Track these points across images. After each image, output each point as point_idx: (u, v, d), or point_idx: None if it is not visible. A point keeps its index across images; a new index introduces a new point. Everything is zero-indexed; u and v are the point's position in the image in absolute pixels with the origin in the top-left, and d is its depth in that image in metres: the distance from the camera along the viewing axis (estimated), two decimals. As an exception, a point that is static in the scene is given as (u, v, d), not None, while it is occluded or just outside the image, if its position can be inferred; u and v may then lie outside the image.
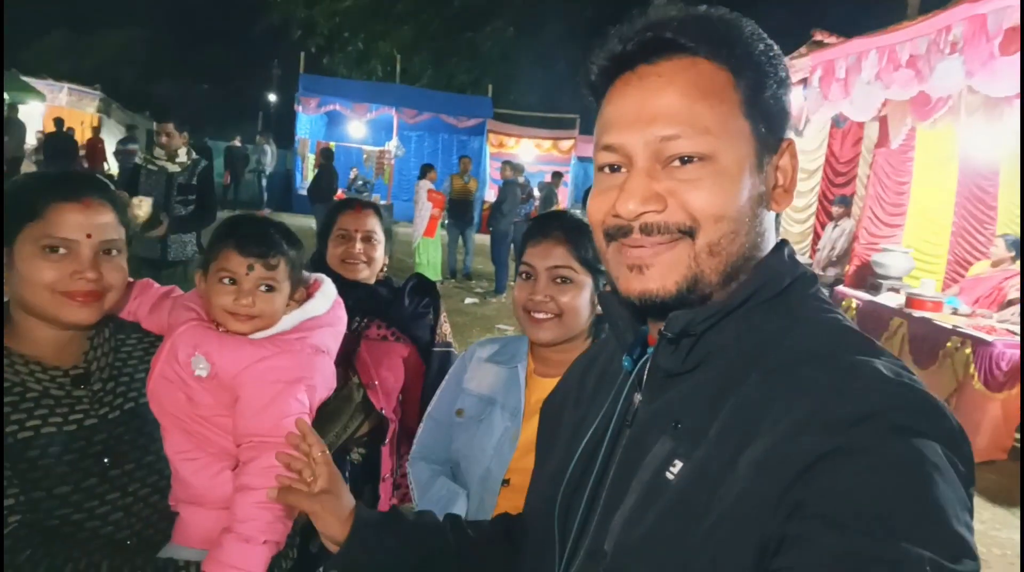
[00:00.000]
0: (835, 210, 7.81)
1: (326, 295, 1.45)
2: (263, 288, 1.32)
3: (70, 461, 1.18)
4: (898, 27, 5.15)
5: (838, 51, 5.97)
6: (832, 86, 5.95)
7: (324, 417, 1.94)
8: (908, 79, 4.89)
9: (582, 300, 1.46)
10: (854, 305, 6.24)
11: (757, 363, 0.70)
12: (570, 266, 1.45)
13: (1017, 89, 3.88)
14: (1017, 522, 3.84)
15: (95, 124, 17.51)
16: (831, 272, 7.48)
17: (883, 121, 6.47)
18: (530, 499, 0.97)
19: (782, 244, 0.78)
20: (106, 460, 1.22)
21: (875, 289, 6.39)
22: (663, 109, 0.71)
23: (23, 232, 1.16)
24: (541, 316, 1.45)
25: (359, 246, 2.06)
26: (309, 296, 1.43)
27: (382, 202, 17.17)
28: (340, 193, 16.70)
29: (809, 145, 8.85)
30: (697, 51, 0.72)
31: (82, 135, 17.31)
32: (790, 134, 0.77)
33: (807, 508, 0.58)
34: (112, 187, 1.28)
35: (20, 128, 14.28)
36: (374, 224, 2.10)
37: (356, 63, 23.17)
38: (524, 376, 1.53)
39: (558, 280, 1.45)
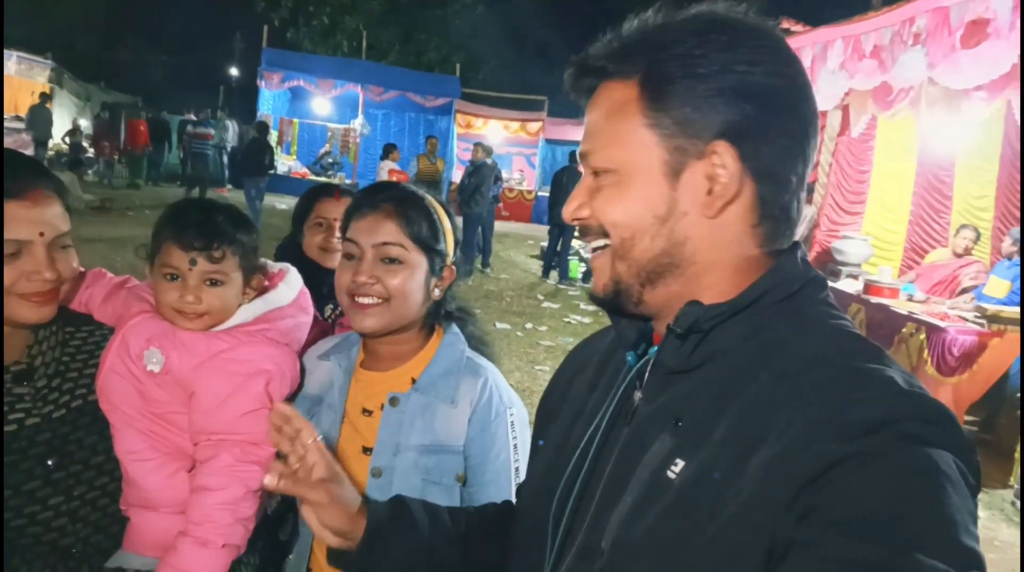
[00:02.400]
0: (798, 197, 7.94)
1: (290, 285, 1.38)
2: (209, 282, 1.24)
3: (10, 463, 1.11)
4: (864, 17, 5.21)
5: (804, 39, 6.03)
6: (798, 74, 6.01)
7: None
8: (872, 69, 4.97)
9: (414, 283, 1.27)
10: None
11: (766, 365, 0.69)
12: (400, 244, 1.26)
13: (975, 82, 3.98)
14: (1016, 527, 3.92)
15: (47, 93, 16.85)
16: (793, 258, 7.63)
17: (845, 110, 6.57)
18: (524, 493, 0.96)
19: (795, 246, 0.78)
20: (50, 461, 1.15)
21: (835, 275, 6.53)
22: (587, 127, 0.79)
23: None
24: (366, 301, 1.25)
25: (338, 234, 2.03)
26: (272, 285, 1.36)
27: (347, 181, 16.98)
28: (304, 171, 16.57)
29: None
30: (608, 73, 0.77)
31: (26, 104, 16.67)
32: (727, 138, 0.71)
33: (818, 513, 0.58)
34: (50, 171, 1.19)
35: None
36: None
37: (322, 38, 22.69)
38: (348, 371, 1.36)
39: (386, 260, 1.26)
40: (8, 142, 15.31)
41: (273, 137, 16.10)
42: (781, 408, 0.65)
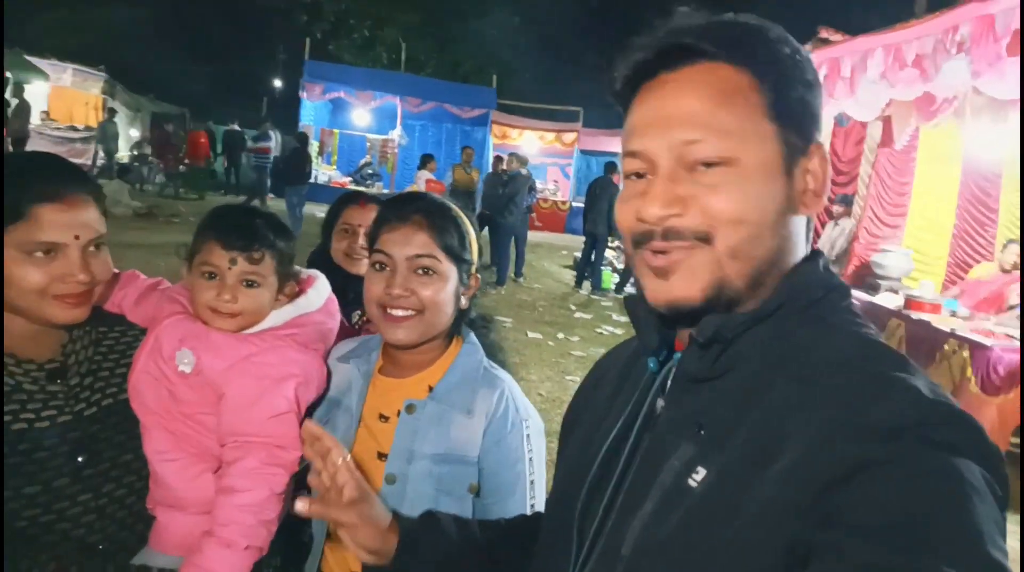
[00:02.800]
0: (836, 209, 7.79)
1: (319, 291, 1.41)
2: (246, 283, 1.27)
3: (40, 460, 1.13)
4: (905, 25, 5.11)
5: (844, 49, 5.94)
6: (837, 84, 5.91)
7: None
8: (913, 78, 4.86)
9: (446, 294, 1.28)
10: None
11: (787, 370, 0.69)
12: (433, 255, 1.26)
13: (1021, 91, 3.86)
14: (1016, 528, 3.83)
15: (99, 106, 17.45)
16: (831, 271, 7.48)
17: (887, 121, 6.44)
18: (549, 500, 0.95)
19: (816, 254, 0.77)
20: (80, 459, 1.18)
21: (873, 289, 6.38)
22: (685, 114, 0.71)
23: (6, 233, 1.10)
24: (399, 313, 1.25)
25: (362, 240, 2.07)
26: (302, 291, 1.39)
27: (385, 191, 17.20)
28: (346, 180, 16.85)
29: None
30: (717, 56, 0.72)
31: (86, 117, 17.26)
32: (819, 137, 0.77)
33: (839, 518, 0.57)
34: (88, 176, 1.23)
35: (25, 108, 14.26)
36: None
37: (361, 50, 23.10)
38: (368, 374, 1.36)
39: (419, 271, 1.26)
40: (63, 151, 15.88)
41: (314, 147, 16.42)
42: (801, 413, 0.65)
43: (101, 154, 15.83)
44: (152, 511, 1.26)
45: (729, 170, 0.71)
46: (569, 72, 23.51)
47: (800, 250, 0.76)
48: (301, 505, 0.90)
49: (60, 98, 16.93)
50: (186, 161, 15.42)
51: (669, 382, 0.78)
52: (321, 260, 2.09)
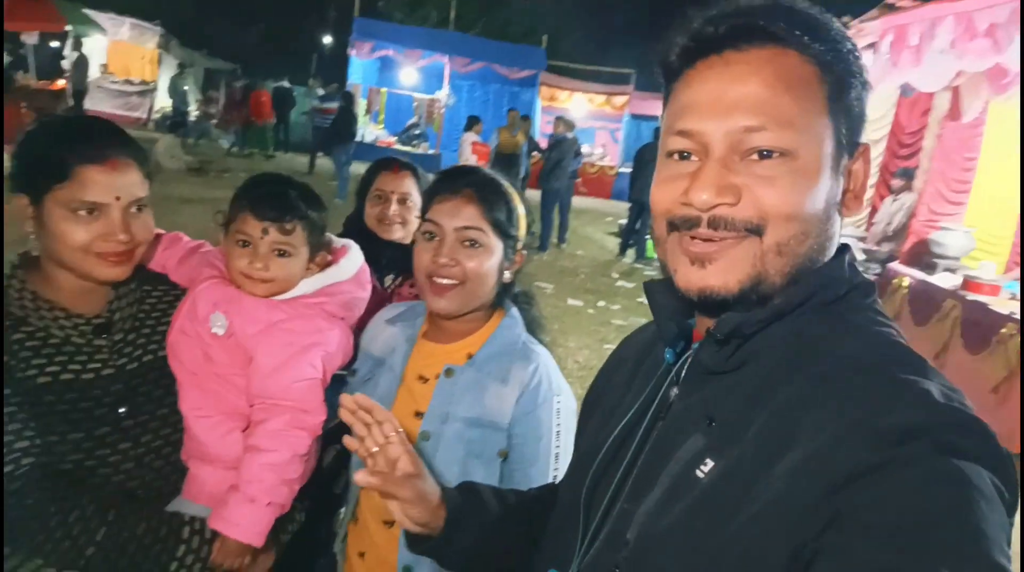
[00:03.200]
0: (895, 183, 7.50)
1: (352, 260, 1.44)
2: (278, 253, 1.30)
3: (85, 409, 1.20)
4: (981, -8, 4.81)
5: (912, 16, 5.63)
6: (903, 53, 5.63)
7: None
8: (985, 49, 4.59)
9: (489, 266, 1.33)
10: (906, 283, 6.03)
11: (802, 368, 0.68)
12: (480, 227, 1.31)
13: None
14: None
15: (154, 60, 17.75)
16: (886, 247, 7.23)
17: (955, 92, 6.12)
18: (562, 481, 0.97)
19: (844, 249, 0.76)
20: (121, 410, 1.24)
21: (930, 269, 6.15)
22: (748, 98, 0.69)
23: (52, 193, 1.16)
24: (444, 281, 1.31)
25: (394, 207, 2.08)
26: (334, 261, 1.42)
27: (430, 151, 17.19)
28: (392, 140, 16.88)
29: (873, 114, 8.44)
30: (788, 42, 0.70)
31: (141, 71, 17.59)
32: (865, 138, 0.76)
33: (846, 520, 0.57)
34: (133, 140, 1.26)
35: (84, 62, 14.61)
36: (410, 186, 2.11)
37: (411, 8, 22.87)
38: (410, 339, 1.43)
39: (466, 243, 1.31)
40: (119, 104, 16.30)
41: (362, 106, 16.45)
42: (813, 411, 0.64)
43: (166, 108, 16.20)
44: (186, 463, 1.32)
45: (785, 162, 0.69)
46: (621, 34, 22.93)
47: (833, 249, 0.75)
48: (362, 477, 0.91)
49: (118, 52, 17.28)
50: (251, 119, 15.53)
51: (684, 372, 0.78)
52: (355, 225, 2.11)
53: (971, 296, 5.21)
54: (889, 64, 5.93)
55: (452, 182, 1.34)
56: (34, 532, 1.10)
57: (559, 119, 10.65)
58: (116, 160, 1.18)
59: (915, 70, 5.65)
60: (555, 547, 0.88)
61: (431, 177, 2.20)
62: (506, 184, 1.40)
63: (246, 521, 1.22)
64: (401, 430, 0.96)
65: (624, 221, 10.59)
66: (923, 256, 6.49)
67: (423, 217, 1.36)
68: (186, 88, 15.57)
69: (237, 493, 1.23)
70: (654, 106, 17.65)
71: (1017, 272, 6.04)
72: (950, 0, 5.20)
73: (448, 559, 1.00)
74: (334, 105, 14.12)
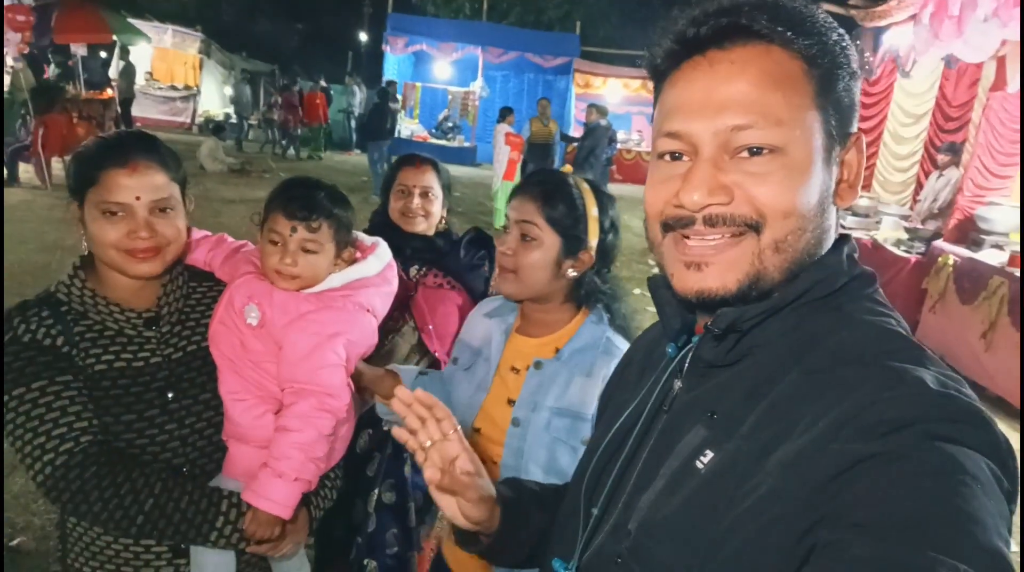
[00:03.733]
0: (941, 158, 7.24)
1: (379, 258, 1.54)
2: (304, 249, 1.41)
3: (136, 393, 1.32)
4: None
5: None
6: (944, 24, 5.47)
7: (381, 355, 2.07)
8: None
9: (541, 260, 1.45)
10: (951, 262, 5.86)
11: (799, 360, 0.69)
12: (535, 223, 1.44)
13: None
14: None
15: (196, 65, 18.23)
16: (931, 225, 7.00)
17: (1001, 61, 5.90)
18: (574, 472, 0.98)
19: (842, 241, 0.76)
20: (169, 395, 1.36)
21: (977, 245, 5.97)
22: (735, 97, 0.69)
23: (88, 197, 1.28)
24: (504, 267, 1.47)
25: (417, 201, 2.15)
26: (363, 257, 1.52)
27: (466, 144, 17.26)
28: (426, 134, 17.01)
29: (917, 87, 8.19)
30: (771, 39, 0.70)
31: (185, 76, 18.08)
32: (856, 127, 0.76)
33: (840, 513, 0.57)
34: (161, 146, 1.36)
35: (131, 70, 15.09)
36: (432, 180, 2.18)
37: (444, 0, 22.94)
38: (505, 332, 1.56)
39: (523, 237, 1.45)
40: (164, 109, 16.81)
41: (398, 101, 16.61)
42: (808, 404, 0.65)
43: (209, 112, 16.50)
44: (226, 443, 1.43)
45: (776, 158, 0.69)
46: (656, 16, 22.47)
47: (830, 241, 0.75)
48: (432, 473, 0.88)
49: (162, 59, 17.80)
50: (304, 121, 15.67)
51: (686, 366, 0.79)
52: (382, 219, 2.18)
53: (1019, 272, 5.05)
54: (931, 36, 5.77)
55: (526, 180, 1.51)
56: (92, 502, 1.23)
57: (591, 106, 10.61)
58: (137, 163, 1.28)
59: (958, 40, 5.49)
60: (560, 538, 0.90)
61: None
62: (582, 186, 1.50)
63: (275, 495, 1.32)
64: (459, 428, 0.96)
65: (661, 207, 10.48)
66: (969, 233, 6.29)
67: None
68: (248, 95, 15.80)
69: (267, 469, 1.34)
70: (691, 89, 17.39)
71: (1070, 246, 5.81)
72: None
73: (501, 556, 1.01)
74: (397, 106, 13.60)
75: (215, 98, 19.05)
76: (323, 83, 17.33)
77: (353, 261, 1.51)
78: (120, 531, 1.28)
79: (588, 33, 18.96)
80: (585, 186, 1.51)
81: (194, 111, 17.80)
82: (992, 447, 0.58)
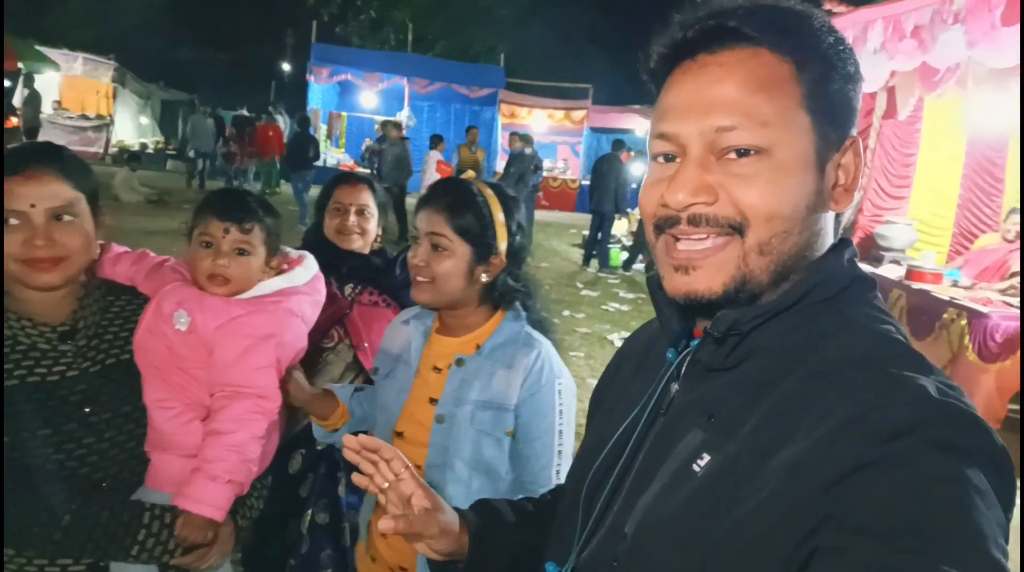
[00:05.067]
0: (843, 182, 7.74)
1: (307, 268, 1.58)
2: (238, 251, 1.43)
3: (52, 407, 1.29)
4: (905, -4, 5.09)
5: (847, 20, 5.90)
6: (839, 56, 5.88)
7: (318, 368, 2.07)
8: (912, 49, 4.85)
9: (454, 268, 1.48)
10: (903, 300, 6.16)
11: (800, 363, 0.68)
12: (444, 234, 1.47)
13: (1016, 61, 3.86)
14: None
15: (109, 94, 17.61)
16: (837, 244, 7.45)
17: (891, 91, 6.41)
18: (566, 478, 0.97)
19: (842, 244, 0.76)
20: (87, 409, 1.33)
21: (877, 261, 6.39)
22: (721, 99, 0.69)
23: None
24: (420, 278, 1.49)
25: (352, 219, 2.17)
26: (290, 268, 1.55)
27: (394, 172, 17.23)
28: (352, 164, 16.91)
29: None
30: (760, 42, 0.70)
31: (97, 105, 17.42)
32: (855, 131, 0.75)
33: (841, 518, 0.57)
34: (63, 155, 1.34)
35: (36, 98, 14.44)
36: (367, 198, 2.21)
37: (370, 32, 23.03)
38: (424, 334, 1.59)
39: (434, 247, 1.48)
40: (75, 140, 16.10)
41: (322, 131, 16.44)
42: (809, 408, 0.64)
43: (123, 142, 15.70)
44: (148, 454, 1.41)
45: (761, 160, 0.69)
46: (579, 49, 23.32)
47: (827, 243, 0.75)
48: (385, 524, 0.90)
49: (72, 87, 17.11)
50: (255, 155, 14.55)
51: (684, 367, 0.78)
52: (316, 238, 2.20)
53: (915, 285, 5.43)
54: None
55: (431, 193, 1.52)
56: (7, 521, 1.20)
57: (514, 135, 10.85)
58: (34, 171, 1.26)
59: (851, 73, 5.89)
60: (556, 542, 0.89)
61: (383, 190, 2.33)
62: (487, 193, 1.53)
63: (209, 497, 1.32)
64: (410, 466, 0.97)
65: (588, 232, 10.78)
66: (870, 250, 6.74)
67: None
68: (211, 129, 14.57)
69: (199, 472, 1.34)
70: (612, 119, 18.02)
71: (959, 261, 6.31)
72: (879, 4, 5.49)
73: None
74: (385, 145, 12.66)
75: (130, 128, 18.43)
76: (246, 112, 17.01)
77: (281, 271, 1.53)
78: (38, 550, 1.25)
79: (513, 65, 19.40)
80: (490, 192, 1.55)
81: (107, 141, 17.13)
82: (991, 455, 0.59)
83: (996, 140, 6.46)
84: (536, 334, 1.55)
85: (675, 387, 0.79)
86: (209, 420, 1.40)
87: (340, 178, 2.26)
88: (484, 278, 1.51)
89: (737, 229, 0.70)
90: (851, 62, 0.73)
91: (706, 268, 0.72)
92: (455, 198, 1.49)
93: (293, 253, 1.62)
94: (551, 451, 1.47)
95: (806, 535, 0.58)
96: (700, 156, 0.71)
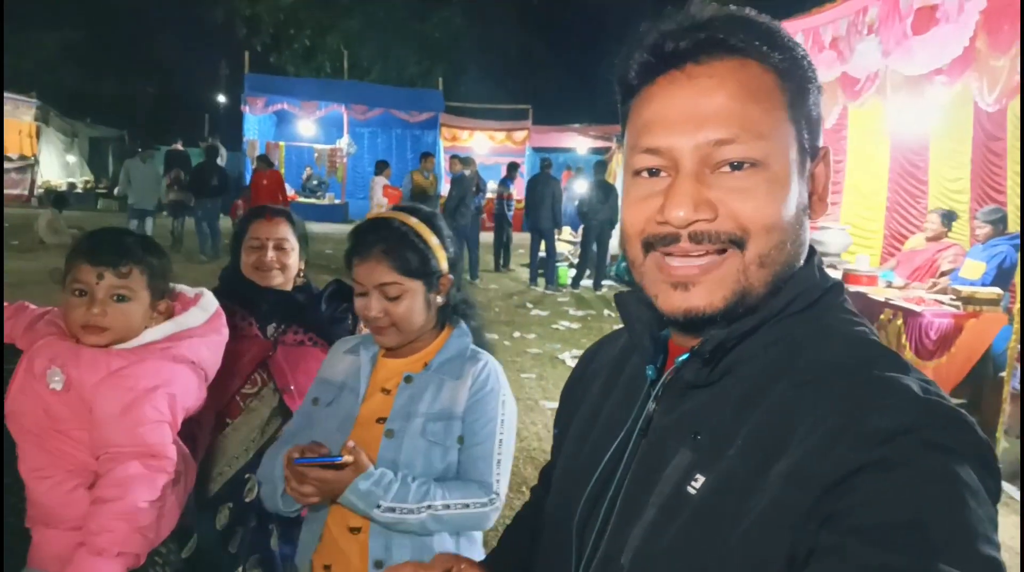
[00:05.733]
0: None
1: (204, 309, 1.45)
2: (116, 298, 1.31)
3: None
4: (821, 9, 5.29)
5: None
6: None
7: (241, 419, 1.95)
8: (832, 60, 5.03)
9: (416, 306, 1.50)
10: None
11: (784, 374, 0.68)
12: (394, 281, 1.47)
13: (928, 67, 4.02)
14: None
15: (32, 133, 16.95)
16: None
17: (817, 101, 6.62)
18: (550, 502, 0.92)
19: (811, 253, 0.76)
20: None
21: (815, 266, 6.55)
22: (715, 111, 0.68)
23: None
24: (379, 325, 1.49)
25: (271, 254, 2.05)
26: (185, 309, 1.42)
27: (336, 201, 17.02)
28: (293, 194, 16.63)
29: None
30: (748, 53, 0.69)
31: (20, 145, 16.74)
32: (823, 141, 0.76)
33: (839, 521, 0.57)
34: None
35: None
36: (286, 231, 2.10)
37: (304, 60, 22.84)
38: (371, 360, 1.57)
39: (389, 296, 1.47)
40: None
41: (230, 158, 15.96)
42: (799, 418, 0.64)
43: (49, 183, 14.99)
44: (30, 530, 1.29)
45: (757, 173, 0.68)
46: (517, 70, 23.62)
47: (805, 254, 0.75)
48: None
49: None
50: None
51: (660, 385, 0.76)
52: (233, 275, 2.08)
53: (852, 288, 5.57)
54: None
55: (363, 241, 1.49)
56: None
57: (454, 158, 10.84)
58: None
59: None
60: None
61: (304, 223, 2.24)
62: (412, 222, 1.53)
63: None
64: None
65: (535, 251, 10.79)
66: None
67: (350, 272, 1.51)
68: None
69: (83, 548, 1.21)
70: (553, 138, 18.24)
71: (891, 262, 6.53)
72: (800, 17, 5.68)
73: None
74: (510, 189, 11.78)
75: (56, 167, 17.75)
76: (180, 146, 16.55)
77: (171, 314, 1.41)
78: None
79: (450, 88, 19.50)
80: (413, 220, 1.53)
81: (32, 182, 16.47)
82: (980, 452, 0.60)
83: (917, 144, 6.74)
84: (481, 351, 1.59)
85: (652, 406, 0.76)
86: (95, 487, 1.27)
87: (255, 212, 2.14)
88: (439, 301, 1.55)
89: (737, 243, 0.69)
90: (817, 75, 0.74)
91: (705, 284, 0.70)
92: (389, 243, 1.48)
93: (190, 292, 1.51)
94: (490, 458, 1.49)
95: (805, 541, 0.59)
96: (695, 170, 0.69)
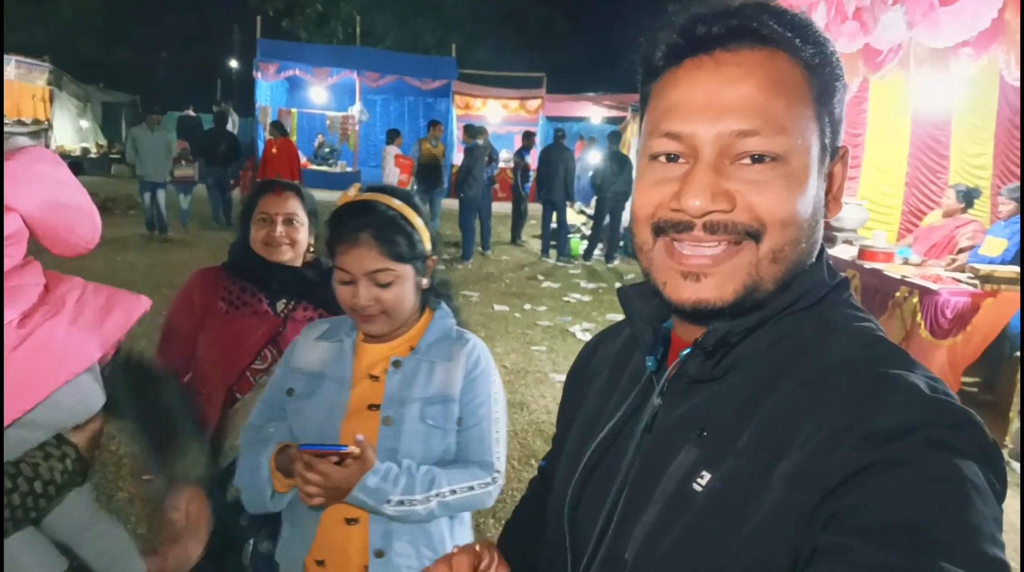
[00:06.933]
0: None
1: None
2: None
3: None
4: (846, -22, 5.13)
5: (790, 4, 5.94)
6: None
7: (251, 395, 1.96)
8: (854, 31, 4.90)
9: (406, 291, 1.47)
10: (856, 279, 6.25)
11: (789, 372, 0.68)
12: (385, 268, 1.42)
13: (955, 40, 3.90)
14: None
15: (46, 98, 16.95)
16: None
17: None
18: (551, 498, 0.91)
19: (821, 251, 0.76)
20: None
21: (830, 242, 6.47)
22: (740, 101, 0.67)
23: None
24: (368, 313, 1.44)
25: (280, 229, 2.04)
26: None
27: (348, 169, 16.97)
28: (305, 161, 16.58)
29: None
30: (778, 44, 0.68)
31: (33, 110, 16.76)
32: (842, 141, 0.75)
33: (843, 520, 0.57)
34: None
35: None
36: (295, 206, 2.08)
37: (316, 26, 22.59)
38: (352, 347, 1.52)
39: (379, 283, 1.43)
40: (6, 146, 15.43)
41: (242, 124, 15.80)
42: (805, 416, 0.64)
43: (63, 147, 15.08)
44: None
45: (777, 167, 0.67)
46: (532, 38, 23.26)
47: (817, 252, 0.75)
48: None
49: (6, 92, 16.40)
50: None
51: (664, 380, 0.75)
52: (242, 251, 2.07)
53: (868, 265, 5.51)
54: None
55: (349, 230, 1.43)
56: None
57: (467, 127, 10.70)
58: None
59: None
60: (551, 570, 0.85)
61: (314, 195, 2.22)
62: (396, 205, 1.48)
63: None
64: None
65: (549, 223, 10.73)
66: (824, 231, 6.80)
67: (333, 259, 1.46)
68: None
69: None
70: (568, 107, 18.00)
71: (909, 238, 6.43)
72: (822, -13, 5.52)
73: None
74: (526, 159, 11.28)
75: (70, 132, 17.79)
76: (192, 112, 16.51)
77: None
78: None
79: (465, 56, 19.23)
80: (396, 202, 1.48)
81: (46, 146, 16.47)
82: (985, 451, 0.60)
83: (940, 118, 6.59)
84: (465, 331, 1.58)
85: (656, 401, 0.76)
86: None
87: (264, 186, 2.12)
88: (426, 283, 1.53)
89: (753, 235, 0.68)
90: (844, 72, 0.73)
91: (717, 275, 0.69)
92: (376, 228, 1.42)
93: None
94: (487, 438, 1.49)
95: (811, 540, 0.58)
96: (714, 159, 0.68)
